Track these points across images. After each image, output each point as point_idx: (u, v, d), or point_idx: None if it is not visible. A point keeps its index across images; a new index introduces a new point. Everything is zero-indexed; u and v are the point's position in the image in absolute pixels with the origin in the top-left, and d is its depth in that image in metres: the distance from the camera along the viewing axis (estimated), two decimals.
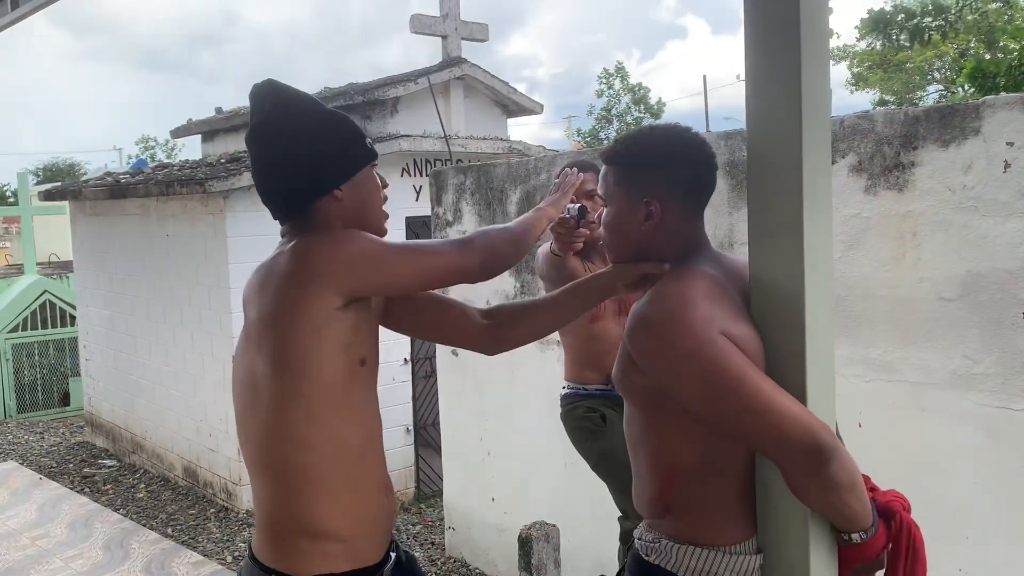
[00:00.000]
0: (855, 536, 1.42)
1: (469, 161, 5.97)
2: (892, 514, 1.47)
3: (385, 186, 1.66)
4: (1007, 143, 2.36)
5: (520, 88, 6.89)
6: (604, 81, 36.28)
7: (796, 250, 1.48)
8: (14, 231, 18.66)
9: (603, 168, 1.64)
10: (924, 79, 24.01)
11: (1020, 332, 2.37)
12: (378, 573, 1.61)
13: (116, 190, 6.31)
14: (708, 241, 1.63)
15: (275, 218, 1.63)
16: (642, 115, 35.81)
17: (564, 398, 3.01)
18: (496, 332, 1.79)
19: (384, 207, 1.65)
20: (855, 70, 24.50)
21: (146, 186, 5.88)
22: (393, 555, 1.67)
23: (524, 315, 1.82)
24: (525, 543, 2.98)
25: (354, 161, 1.58)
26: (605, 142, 33.25)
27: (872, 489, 1.53)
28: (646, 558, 1.55)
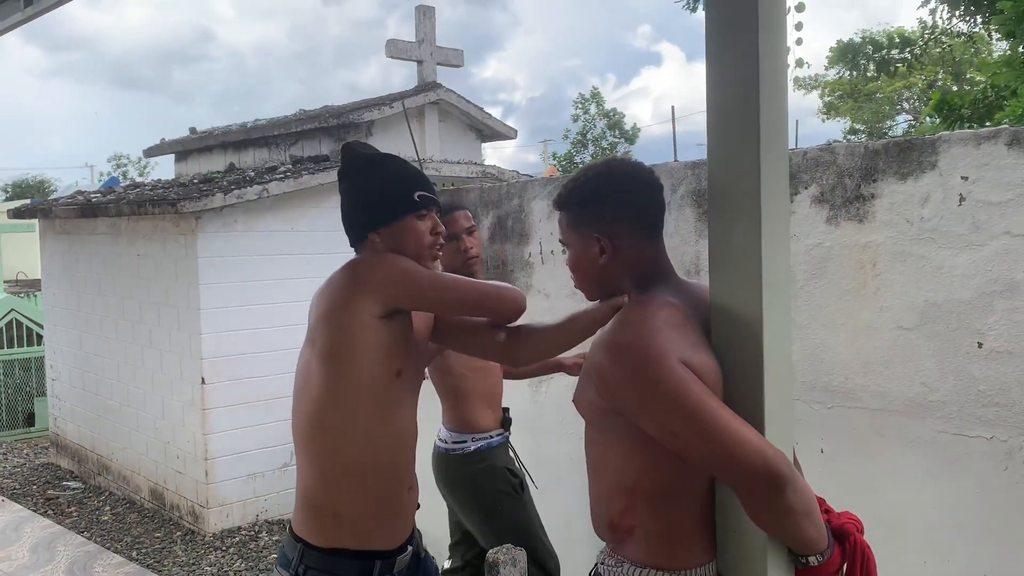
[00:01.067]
0: (812, 559, 1.47)
1: (443, 185, 6.00)
2: (846, 535, 1.53)
3: (438, 233, 1.90)
4: (962, 177, 2.44)
5: (496, 112, 7.01)
6: (580, 106, 36.55)
7: (754, 278, 1.52)
8: None
9: (558, 215, 1.71)
10: (893, 109, 24.51)
11: (975, 361, 2.43)
12: (390, 560, 1.87)
13: (87, 209, 6.27)
14: (670, 265, 1.67)
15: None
16: (617, 140, 36.11)
17: (469, 455, 2.80)
18: (511, 349, 2.01)
19: (434, 249, 1.91)
20: (826, 99, 24.94)
21: (117, 205, 5.85)
22: (410, 548, 1.94)
23: (531, 335, 2.00)
24: (492, 568, 2.97)
25: (392, 212, 1.86)
26: (580, 165, 33.49)
27: (827, 511, 1.57)
28: None
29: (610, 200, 1.62)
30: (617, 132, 36.05)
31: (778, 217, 1.55)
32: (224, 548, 5.26)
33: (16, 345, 9.07)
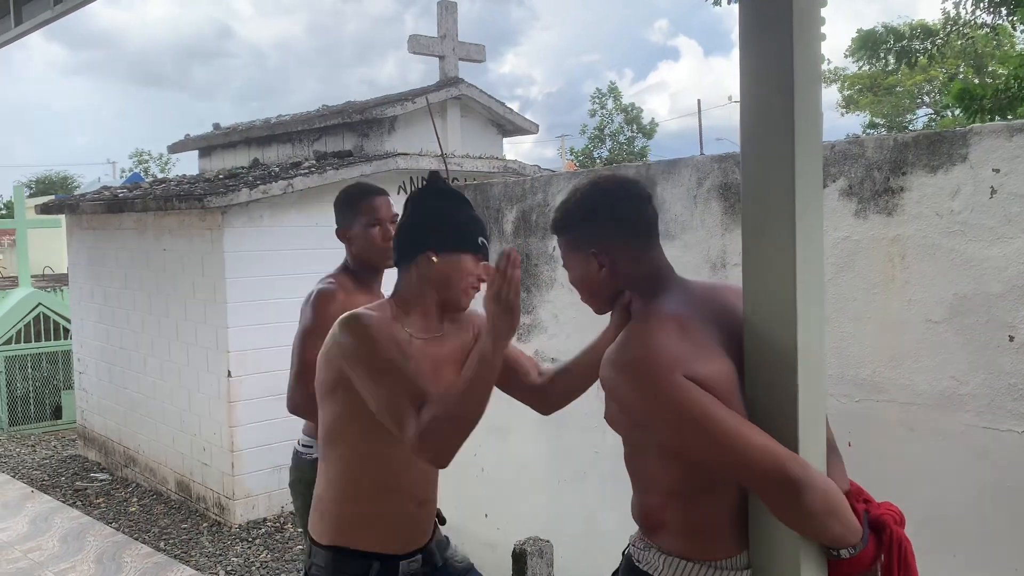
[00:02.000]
0: (843, 552, 1.48)
1: (465, 180, 6.03)
2: (883, 527, 1.52)
3: (482, 280, 1.92)
4: (993, 169, 2.43)
5: (514, 107, 6.99)
6: (597, 101, 36.51)
7: (788, 274, 1.53)
8: (6, 243, 18.65)
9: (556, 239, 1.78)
10: (914, 102, 24.28)
11: (1006, 354, 2.42)
12: (392, 564, 1.93)
13: (114, 205, 6.34)
14: (670, 268, 1.69)
15: None
16: (635, 134, 36.03)
17: (312, 461, 2.43)
18: (544, 398, 2.16)
19: (469, 295, 1.96)
20: (845, 93, 24.75)
21: (144, 201, 5.92)
22: (420, 556, 1.99)
23: (559, 381, 2.13)
24: (519, 558, 3.01)
25: (460, 241, 1.93)
26: (598, 162, 33.42)
27: (867, 501, 1.57)
28: (637, 564, 1.63)
29: (600, 215, 1.66)
30: (635, 127, 35.97)
31: (812, 210, 1.56)
32: (250, 539, 5.33)
33: (43, 339, 9.20)
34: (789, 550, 1.52)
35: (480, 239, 1.95)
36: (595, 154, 35.31)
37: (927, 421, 2.61)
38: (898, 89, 23.40)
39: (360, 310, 1.90)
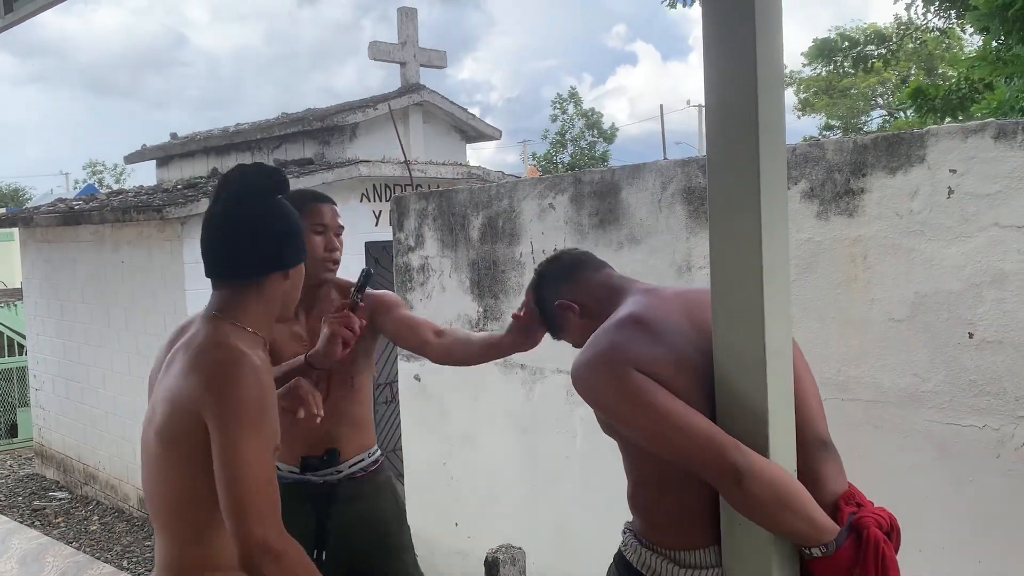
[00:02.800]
0: (814, 551, 1.46)
1: (429, 186, 6.01)
2: (862, 529, 1.49)
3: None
4: (950, 170, 2.48)
5: (474, 113, 6.99)
6: (558, 106, 36.64)
7: (755, 273, 1.54)
8: None
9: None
10: (868, 104, 24.78)
11: (966, 351, 2.47)
12: None
13: (70, 217, 6.21)
14: (626, 283, 1.80)
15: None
16: (596, 139, 36.23)
17: None
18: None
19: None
20: (802, 96, 25.16)
21: (101, 212, 5.80)
22: None
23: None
24: (492, 566, 2.99)
25: (301, 253, 1.76)
26: (560, 167, 33.54)
27: (859, 504, 1.56)
28: (623, 551, 1.71)
29: (548, 276, 1.87)
30: (595, 132, 36.17)
31: (777, 211, 1.57)
32: None
33: None
34: (760, 547, 1.52)
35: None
36: (557, 159, 35.44)
37: (891, 418, 2.65)
38: (852, 92, 23.85)
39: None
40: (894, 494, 2.63)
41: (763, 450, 1.54)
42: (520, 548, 3.24)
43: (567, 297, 1.80)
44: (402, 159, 6.03)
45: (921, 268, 2.55)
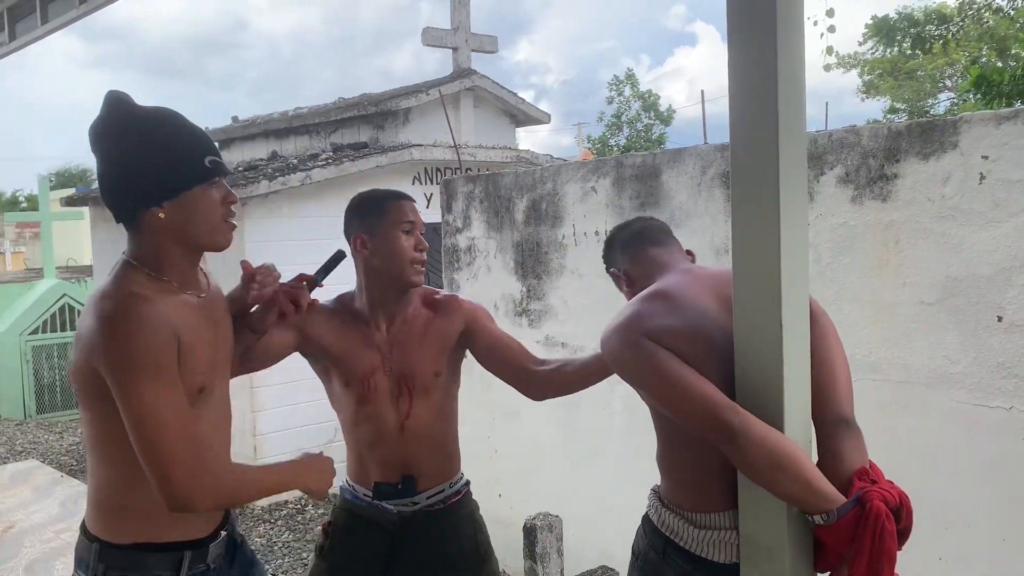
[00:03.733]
0: (816, 517, 1.51)
1: (478, 170, 6.14)
2: (866, 502, 1.51)
3: (232, 202, 1.66)
4: (982, 156, 2.52)
5: (528, 95, 7.13)
6: (614, 88, 36.36)
7: (774, 253, 1.63)
8: (28, 236, 18.95)
9: None
10: (935, 87, 24.04)
11: (995, 334, 2.52)
12: (202, 550, 1.65)
13: None
14: (672, 261, 1.88)
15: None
16: (652, 121, 35.89)
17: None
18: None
19: (230, 221, 1.66)
20: (866, 78, 24.53)
21: None
22: (224, 533, 1.71)
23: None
24: (530, 532, 3.14)
25: (182, 181, 1.57)
26: (615, 149, 33.34)
27: (874, 481, 1.57)
28: (648, 512, 1.82)
29: (616, 243, 1.96)
30: (652, 114, 35.84)
31: (796, 196, 1.65)
32: (272, 520, 5.49)
33: (68, 329, 9.43)
34: (774, 510, 1.59)
35: (208, 159, 1.61)
36: (612, 142, 35.22)
37: (920, 399, 2.71)
38: (919, 74, 23.17)
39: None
40: (922, 473, 2.70)
41: (778, 422, 1.64)
42: (557, 516, 3.38)
43: (621, 266, 1.92)
44: (451, 143, 6.17)
45: (952, 252, 2.60)
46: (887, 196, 2.75)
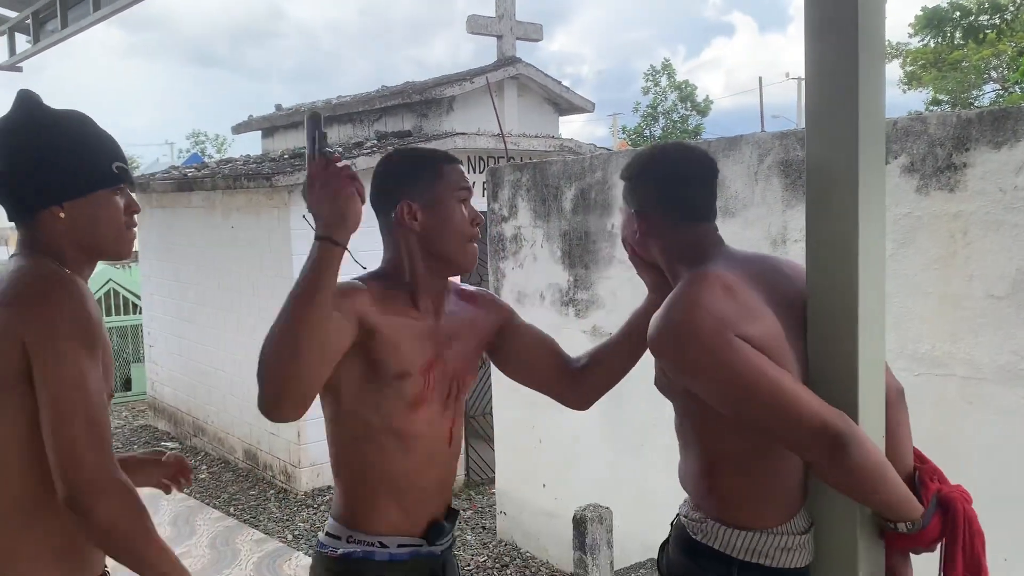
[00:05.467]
0: (900, 526, 1.46)
1: (521, 158, 6.11)
2: (950, 504, 1.47)
3: (135, 211, 1.60)
4: None
5: (566, 85, 7.03)
6: (650, 78, 36.12)
7: (851, 250, 1.58)
8: None
9: None
10: (980, 78, 23.49)
11: None
12: None
13: (183, 183, 6.58)
14: (717, 243, 1.66)
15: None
16: (689, 112, 35.59)
17: (332, 560, 1.64)
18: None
19: (131, 230, 1.59)
20: (908, 68, 24.05)
21: (213, 180, 6.13)
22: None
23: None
24: (580, 524, 3.11)
25: (86, 183, 1.51)
26: (651, 139, 33.13)
27: (941, 481, 1.55)
28: (693, 536, 1.61)
29: (647, 183, 1.66)
30: (689, 104, 35.55)
31: (874, 188, 1.60)
32: (316, 506, 5.53)
33: (113, 314, 9.58)
34: (847, 517, 1.55)
35: (115, 165, 1.55)
36: (647, 132, 34.99)
37: (987, 396, 2.63)
38: (964, 64, 22.66)
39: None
40: (986, 473, 2.63)
41: (853, 414, 1.59)
42: (608, 508, 3.35)
43: (644, 214, 1.66)
44: (496, 132, 6.14)
45: None
46: (955, 186, 2.67)
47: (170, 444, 7.22)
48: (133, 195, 1.61)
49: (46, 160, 1.50)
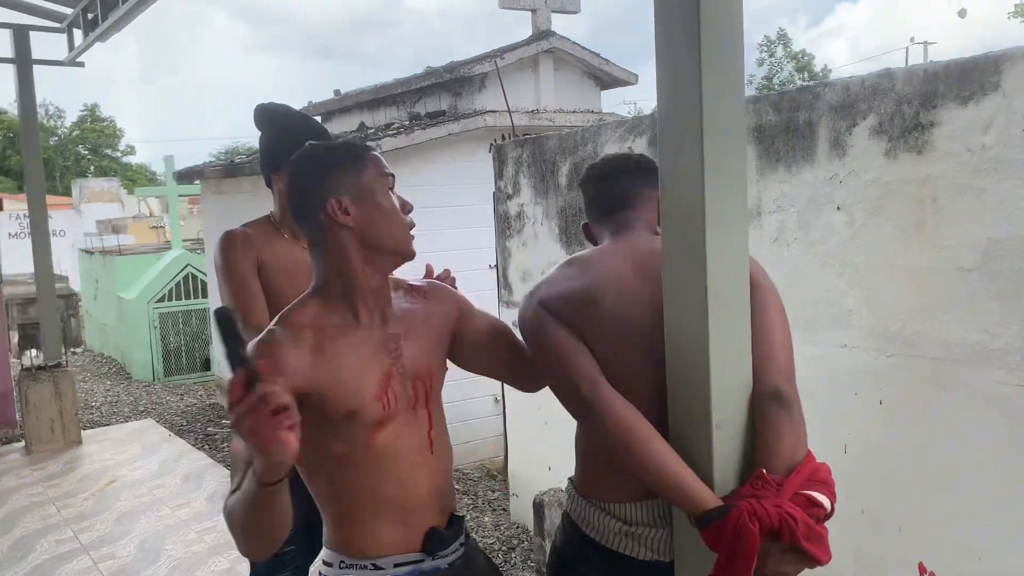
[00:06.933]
0: (689, 518, 1.42)
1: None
2: (729, 516, 1.33)
3: None
4: None
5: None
6: (765, 49, 34.98)
7: (698, 210, 1.47)
8: (195, 211, 20.34)
9: None
10: None
11: None
12: None
13: (228, 169, 6.77)
14: (612, 236, 1.74)
15: None
16: (807, 83, 34.26)
17: None
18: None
19: None
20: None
21: (251, 165, 6.28)
22: None
23: None
24: (539, 508, 3.03)
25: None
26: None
27: (780, 485, 1.37)
28: (566, 505, 1.74)
29: (584, 195, 1.85)
30: (807, 75, 34.22)
31: (725, 155, 1.50)
32: None
33: (193, 297, 10.02)
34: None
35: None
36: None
37: (959, 377, 2.39)
38: None
39: None
40: (960, 458, 2.39)
41: (704, 397, 1.48)
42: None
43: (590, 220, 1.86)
44: (530, 108, 6.03)
45: (993, 210, 2.26)
46: (923, 148, 2.42)
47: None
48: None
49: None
